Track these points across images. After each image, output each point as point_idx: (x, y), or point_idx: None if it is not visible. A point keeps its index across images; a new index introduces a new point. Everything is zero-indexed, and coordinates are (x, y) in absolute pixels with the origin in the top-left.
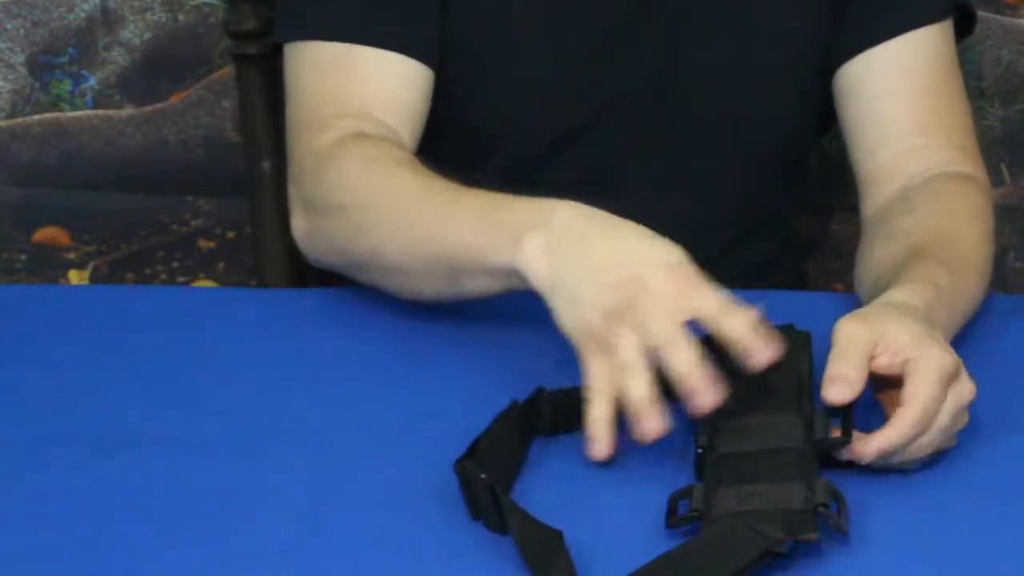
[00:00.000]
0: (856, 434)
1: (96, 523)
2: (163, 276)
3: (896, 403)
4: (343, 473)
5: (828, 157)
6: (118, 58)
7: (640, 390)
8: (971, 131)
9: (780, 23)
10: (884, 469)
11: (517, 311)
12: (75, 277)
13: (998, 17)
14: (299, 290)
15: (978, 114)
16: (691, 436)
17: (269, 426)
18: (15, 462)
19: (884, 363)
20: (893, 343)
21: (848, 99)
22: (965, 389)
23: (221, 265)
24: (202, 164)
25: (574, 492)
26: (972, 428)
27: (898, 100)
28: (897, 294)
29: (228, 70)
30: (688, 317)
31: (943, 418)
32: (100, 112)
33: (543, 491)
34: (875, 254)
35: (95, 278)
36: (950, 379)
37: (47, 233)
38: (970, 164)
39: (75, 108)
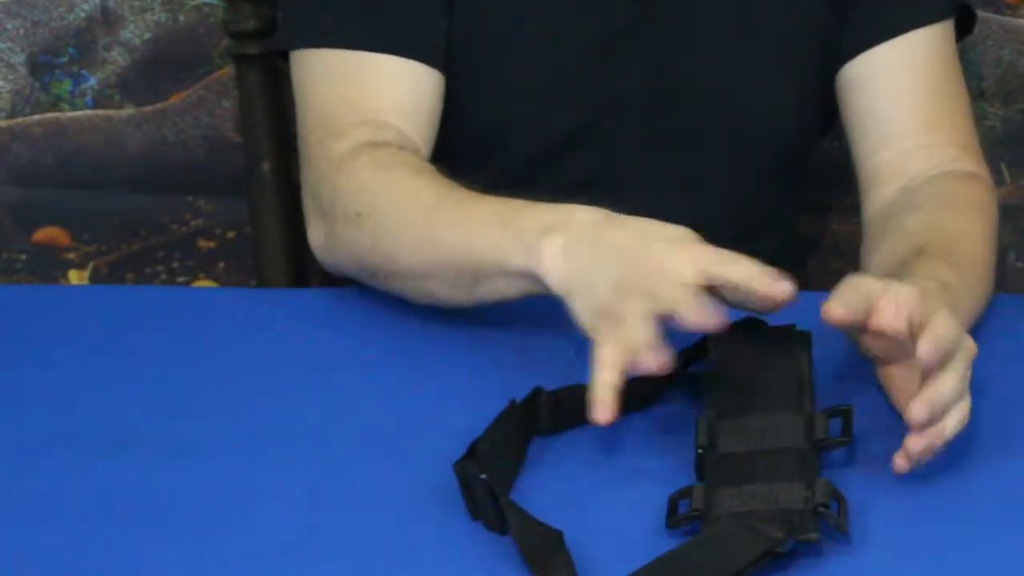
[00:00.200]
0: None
1: (96, 523)
2: (163, 276)
3: (896, 381)
4: (343, 473)
5: (828, 157)
6: (118, 58)
7: (646, 333)
8: (973, 130)
9: (780, 23)
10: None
11: (517, 311)
12: (75, 277)
13: (998, 17)
14: (299, 290)
15: (978, 114)
16: (691, 436)
17: (269, 426)
18: (15, 462)
19: (890, 315)
20: (899, 292)
21: (850, 98)
22: (969, 345)
23: (221, 265)
24: (202, 164)
25: (574, 492)
26: (972, 428)
27: (900, 99)
28: None
29: (228, 70)
30: (696, 281)
31: (960, 364)
32: (100, 112)
33: (543, 491)
34: (879, 253)
35: (95, 278)
36: (959, 329)
37: (47, 233)
38: (973, 162)
39: (75, 108)
